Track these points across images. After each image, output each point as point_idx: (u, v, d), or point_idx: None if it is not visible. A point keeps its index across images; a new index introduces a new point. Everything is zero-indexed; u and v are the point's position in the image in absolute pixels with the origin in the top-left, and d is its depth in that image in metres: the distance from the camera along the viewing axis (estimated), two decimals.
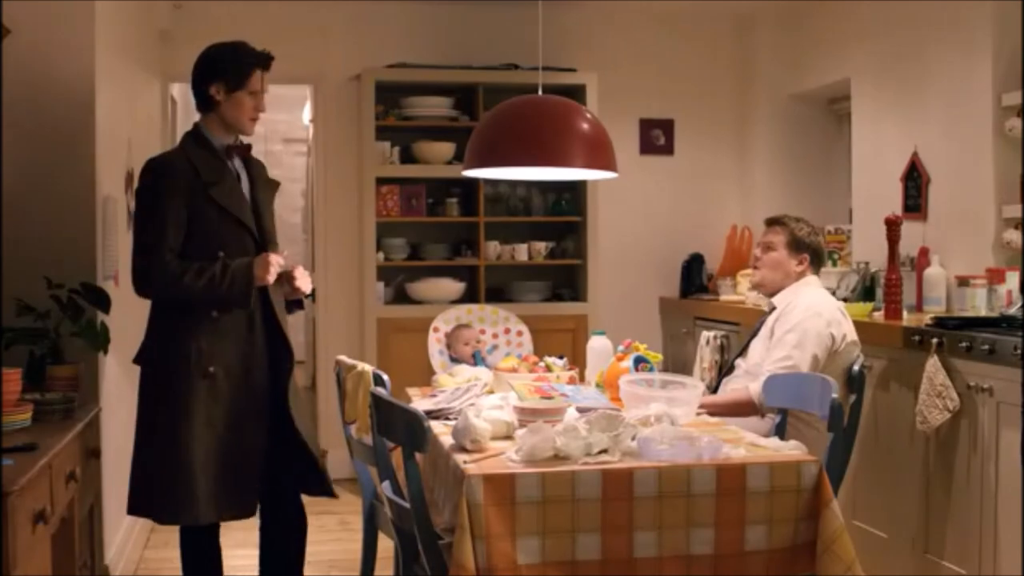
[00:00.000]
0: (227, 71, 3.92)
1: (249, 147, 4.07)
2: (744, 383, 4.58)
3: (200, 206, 3.82)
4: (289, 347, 4.02)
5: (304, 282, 4.09)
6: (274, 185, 4.19)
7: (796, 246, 4.77)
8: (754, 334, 4.81)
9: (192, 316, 3.85)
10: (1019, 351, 4.22)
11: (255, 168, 4.10)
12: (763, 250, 4.83)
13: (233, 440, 3.86)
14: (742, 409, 4.45)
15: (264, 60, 4.01)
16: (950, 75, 5.77)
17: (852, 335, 4.61)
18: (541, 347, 5.25)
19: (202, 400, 3.82)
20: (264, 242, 3.99)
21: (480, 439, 3.33)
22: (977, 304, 5.18)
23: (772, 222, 4.88)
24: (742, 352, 4.84)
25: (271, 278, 3.89)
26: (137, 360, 3.97)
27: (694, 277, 7.70)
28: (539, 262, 7.42)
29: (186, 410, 3.81)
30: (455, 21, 7.50)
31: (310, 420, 4.55)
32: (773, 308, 4.75)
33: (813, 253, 4.82)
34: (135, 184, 3.99)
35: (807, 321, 4.51)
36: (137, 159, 5.60)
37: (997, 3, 5.42)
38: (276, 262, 3.89)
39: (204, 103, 3.97)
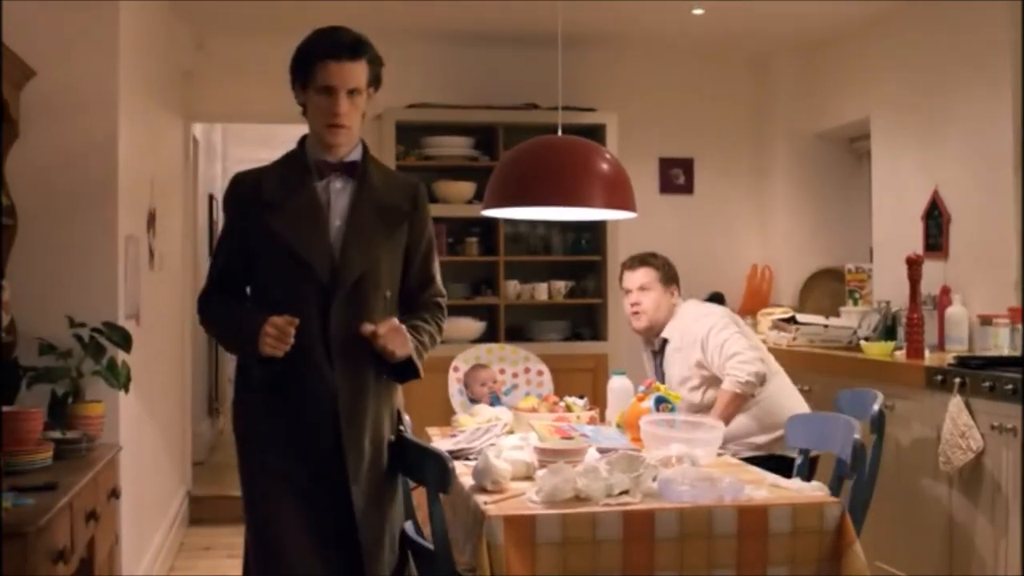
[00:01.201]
0: (298, 67, 3.18)
1: (354, 165, 3.18)
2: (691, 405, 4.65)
3: (257, 232, 3.11)
4: (360, 434, 3.14)
5: (394, 341, 3.10)
6: (396, 217, 3.22)
7: (666, 280, 4.83)
8: (661, 371, 4.84)
9: (252, 372, 3.12)
10: None
11: (368, 192, 3.18)
12: (639, 293, 4.81)
13: (288, 557, 3.07)
14: (739, 404, 4.56)
15: (333, 46, 3.10)
16: (970, 113, 5.76)
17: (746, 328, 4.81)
18: (561, 387, 5.24)
19: (259, 484, 3.15)
20: (335, 288, 3.07)
21: (500, 480, 3.32)
22: (1000, 343, 5.15)
23: (638, 263, 4.86)
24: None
25: (271, 351, 2.98)
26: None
27: None
28: (559, 301, 7.42)
29: (248, 498, 3.21)
30: (475, 62, 7.53)
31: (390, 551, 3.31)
32: (664, 342, 4.80)
33: (677, 281, 4.89)
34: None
35: (710, 323, 4.64)
36: (160, 199, 5.65)
37: (1017, 40, 5.41)
38: (275, 332, 2.97)
39: (302, 111, 3.25)
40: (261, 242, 3.09)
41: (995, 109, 5.53)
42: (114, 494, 4.07)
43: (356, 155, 3.19)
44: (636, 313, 4.83)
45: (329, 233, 3.10)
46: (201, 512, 7.17)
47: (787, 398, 4.74)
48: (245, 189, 3.16)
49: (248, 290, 3.22)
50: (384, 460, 3.22)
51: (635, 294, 4.82)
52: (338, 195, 3.15)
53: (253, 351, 3.00)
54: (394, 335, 3.09)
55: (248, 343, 3.00)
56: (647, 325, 4.83)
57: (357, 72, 3.10)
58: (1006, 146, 5.44)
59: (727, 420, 4.44)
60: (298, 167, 3.17)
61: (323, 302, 3.06)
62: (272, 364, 3.01)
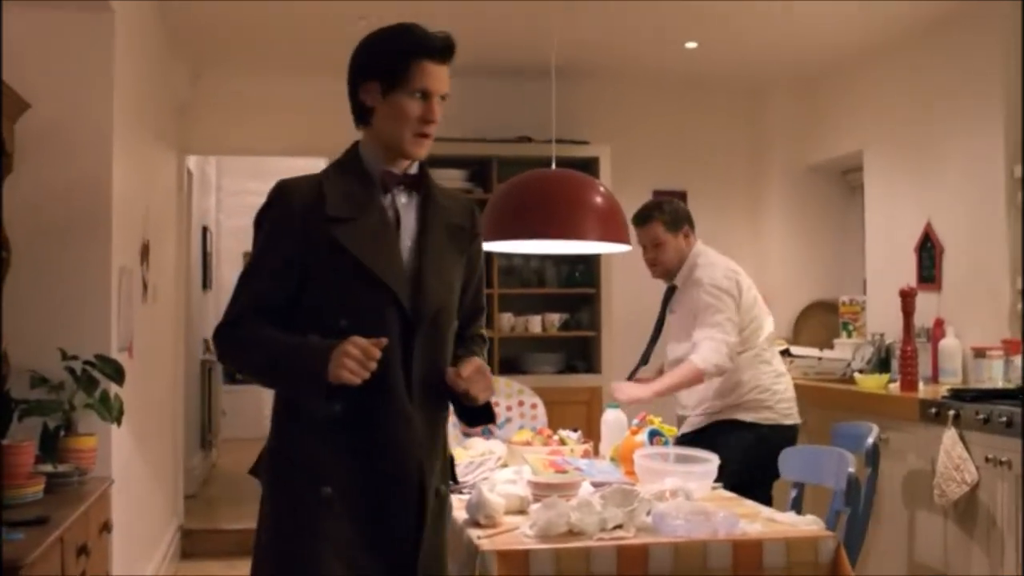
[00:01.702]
0: (380, 63, 2.72)
1: (420, 177, 2.81)
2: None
3: (320, 251, 2.61)
4: (453, 467, 2.86)
5: (479, 384, 2.70)
6: (464, 237, 2.86)
7: (673, 225, 4.81)
8: (661, 318, 4.97)
9: (300, 408, 2.65)
10: None
11: (434, 209, 2.81)
12: (652, 246, 4.84)
13: None
14: (693, 382, 4.62)
15: (434, 46, 2.71)
16: (962, 146, 5.79)
17: (753, 290, 4.83)
18: (555, 419, 5.22)
19: (319, 535, 2.59)
20: (418, 317, 2.66)
21: (494, 514, 3.30)
22: (994, 375, 5.15)
23: (643, 220, 4.85)
24: (655, 338, 5.01)
25: (349, 377, 2.49)
26: (253, 471, 2.80)
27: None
28: (553, 334, 7.41)
29: (301, 551, 2.63)
30: (469, 95, 7.54)
31: None
32: (674, 287, 4.88)
33: (688, 220, 4.87)
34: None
35: (708, 278, 4.69)
36: (153, 231, 5.64)
37: (1008, 75, 5.44)
38: (363, 355, 2.49)
39: (356, 113, 2.82)
40: (326, 262, 2.61)
41: (986, 142, 5.55)
42: (106, 528, 4.04)
43: (415, 167, 2.81)
44: (653, 266, 4.89)
45: (402, 255, 2.69)
46: (193, 546, 7.14)
47: (750, 368, 4.75)
48: (302, 199, 2.64)
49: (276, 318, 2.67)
50: (447, 516, 2.84)
51: (649, 251, 4.85)
52: (405, 211, 2.75)
53: (319, 379, 2.49)
54: (480, 377, 2.70)
55: (313, 370, 2.50)
56: (662, 273, 4.91)
57: (447, 77, 2.78)
58: (997, 178, 5.46)
59: (667, 394, 4.65)
60: (359, 177, 2.73)
61: (405, 333, 2.63)
62: (338, 399, 2.54)
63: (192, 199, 8.81)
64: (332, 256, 2.60)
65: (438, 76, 2.72)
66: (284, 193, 2.67)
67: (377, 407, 2.61)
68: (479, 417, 2.83)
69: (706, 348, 4.58)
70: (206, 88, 7.28)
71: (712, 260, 4.81)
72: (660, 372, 4.94)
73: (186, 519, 7.46)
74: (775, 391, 4.74)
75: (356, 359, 2.48)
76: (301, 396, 2.61)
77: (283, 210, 2.65)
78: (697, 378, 4.60)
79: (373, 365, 2.50)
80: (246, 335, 2.62)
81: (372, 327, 2.56)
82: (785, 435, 4.67)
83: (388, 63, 2.70)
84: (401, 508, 2.63)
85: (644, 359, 5.03)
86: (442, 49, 2.71)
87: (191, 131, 7.36)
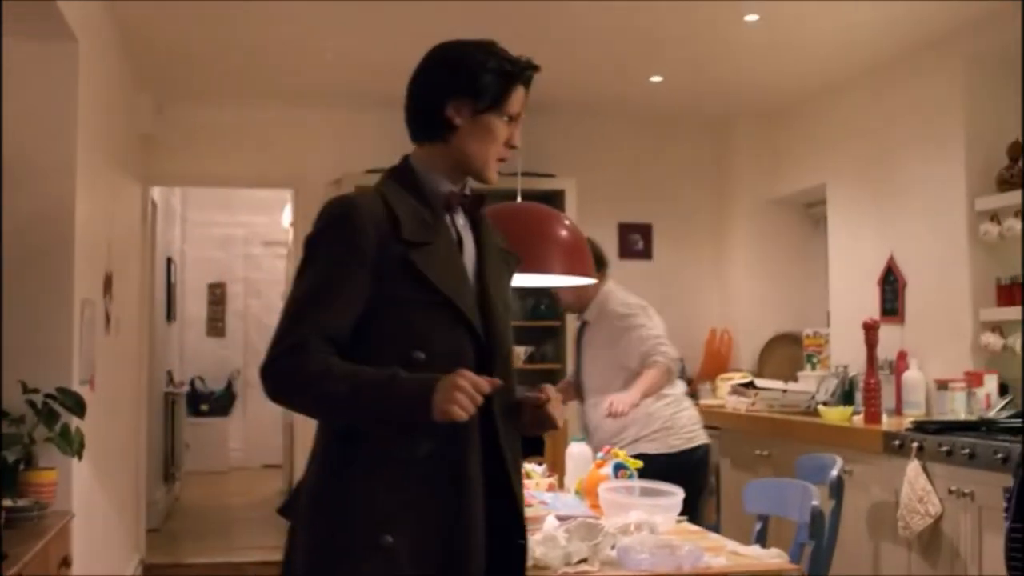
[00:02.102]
0: (476, 81, 2.52)
1: (482, 199, 2.62)
2: (613, 383, 4.85)
3: (393, 277, 2.39)
4: (521, 517, 2.50)
5: (558, 411, 2.51)
6: (512, 261, 2.73)
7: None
8: (579, 354, 5.14)
9: (365, 447, 2.38)
10: (1000, 455, 4.21)
11: (487, 232, 2.64)
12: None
13: None
14: (665, 378, 4.83)
15: (531, 72, 2.59)
16: (924, 180, 5.84)
17: (662, 325, 5.05)
18: None
19: None
20: (493, 347, 2.48)
21: None
22: (956, 407, 5.18)
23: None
24: (577, 373, 5.15)
25: (459, 413, 2.24)
26: (284, 511, 2.52)
27: None
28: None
29: None
30: None
31: None
32: (585, 322, 5.08)
33: (601, 260, 5.00)
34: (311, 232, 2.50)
35: (618, 305, 4.96)
36: (117, 262, 5.61)
37: (969, 110, 5.51)
38: (473, 389, 2.26)
39: (430, 126, 2.57)
40: (401, 289, 2.39)
41: (948, 175, 5.60)
42: (65, 563, 4.00)
43: (467, 188, 2.63)
44: (567, 303, 5.16)
45: (470, 279, 2.52)
46: None
47: (652, 402, 4.92)
48: (374, 219, 2.39)
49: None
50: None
51: (566, 289, 5.00)
52: (463, 233, 2.56)
53: (420, 414, 2.25)
54: (558, 403, 2.51)
55: (413, 404, 2.26)
56: (568, 305, 5.20)
57: None
58: (959, 211, 5.51)
59: (650, 393, 4.77)
60: (421, 197, 2.51)
61: (479, 363, 2.42)
62: (432, 437, 2.34)
63: (156, 230, 8.77)
64: (407, 283, 2.39)
65: (524, 102, 2.60)
66: (354, 212, 2.40)
67: (466, 444, 2.39)
68: (534, 448, 2.69)
69: (651, 346, 4.80)
70: (171, 119, 7.26)
71: (621, 294, 5.07)
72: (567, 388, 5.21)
73: (148, 554, 7.38)
74: (676, 419, 4.96)
75: (468, 394, 2.25)
76: (392, 432, 2.34)
77: (354, 231, 2.38)
78: (667, 372, 4.81)
79: (480, 400, 2.27)
80: (316, 365, 2.32)
81: (450, 358, 2.38)
82: (695, 455, 4.92)
83: (488, 83, 2.52)
84: (482, 556, 2.42)
85: (581, 397, 5.16)
86: (533, 75, 2.60)
87: (156, 162, 7.33)
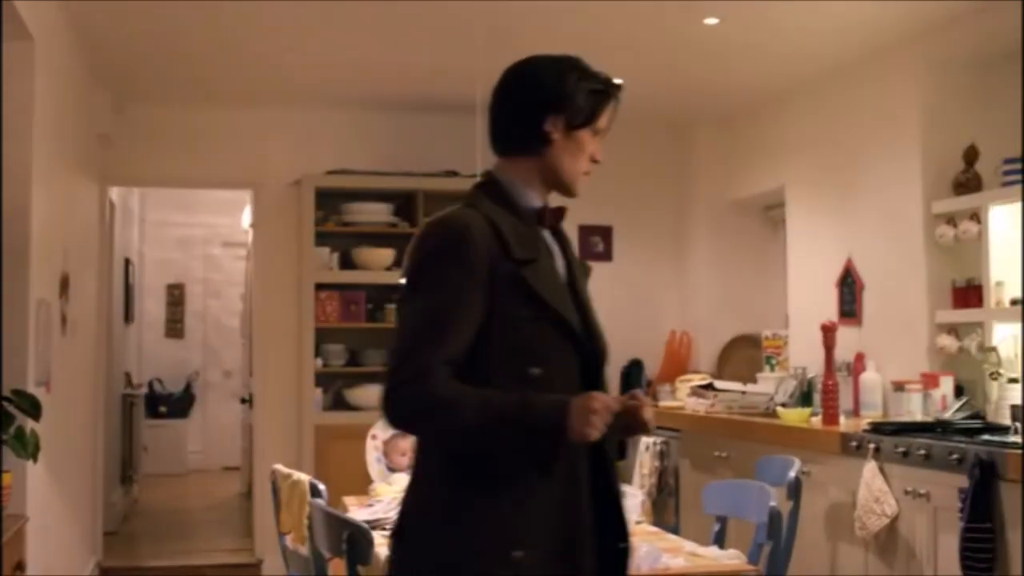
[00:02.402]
0: (573, 99, 2.56)
1: (564, 212, 2.65)
2: None
3: (505, 294, 2.40)
4: (624, 520, 2.52)
5: (650, 415, 2.49)
6: (587, 271, 2.73)
7: None
8: None
9: (491, 466, 2.38)
10: (955, 457, 4.25)
11: (569, 244, 2.67)
12: None
13: None
14: None
15: (618, 89, 2.67)
16: (882, 184, 5.88)
17: None
18: None
19: None
20: (597, 359, 2.53)
21: None
22: (912, 409, 5.22)
23: None
24: None
25: (595, 435, 2.30)
26: (398, 534, 2.47)
27: (633, 383, 7.70)
28: None
29: None
30: (395, 128, 7.55)
31: None
32: None
33: None
34: (414, 252, 2.47)
35: None
36: (73, 263, 5.56)
37: (925, 114, 5.55)
38: (606, 409, 2.31)
39: (526, 141, 2.57)
40: (514, 308, 2.41)
41: (904, 179, 5.65)
42: (20, 567, 3.96)
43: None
44: None
45: (568, 293, 2.55)
46: None
47: None
48: (484, 239, 2.40)
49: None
50: None
51: None
52: (552, 246, 2.59)
53: (558, 436, 2.29)
54: (650, 408, 2.49)
55: (549, 427, 2.29)
56: None
57: None
58: (916, 215, 5.55)
59: None
60: (514, 212, 2.52)
61: (588, 377, 2.48)
62: (564, 457, 2.36)
63: (114, 231, 8.71)
64: (519, 300, 2.40)
65: (613, 118, 2.66)
66: (467, 234, 2.39)
67: (577, 455, 2.41)
68: (620, 451, 2.67)
69: None
70: (130, 119, 7.21)
71: None
72: None
73: (105, 557, 7.33)
74: None
75: (602, 415, 2.29)
76: (531, 454, 2.33)
77: (469, 253, 2.37)
78: None
79: (609, 419, 2.32)
80: (445, 391, 2.31)
81: (562, 373, 2.43)
82: None
83: (583, 101, 2.57)
84: (594, 561, 2.46)
85: None
86: (621, 93, 2.66)
87: (114, 162, 7.28)
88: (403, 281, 2.45)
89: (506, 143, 2.58)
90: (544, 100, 2.54)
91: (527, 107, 2.55)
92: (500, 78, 2.61)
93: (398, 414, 2.35)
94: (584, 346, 2.47)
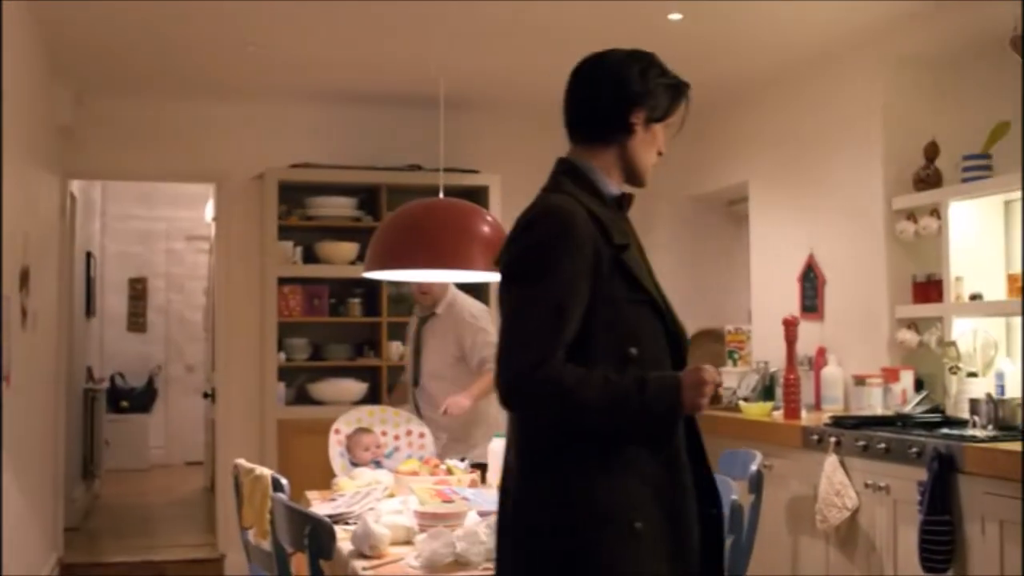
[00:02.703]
0: (655, 94, 2.73)
1: (633, 199, 2.83)
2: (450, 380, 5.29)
3: (607, 278, 2.54)
4: (715, 487, 2.69)
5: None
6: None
7: None
8: (419, 341, 5.47)
9: (614, 444, 2.50)
10: (914, 450, 4.28)
11: (633, 229, 2.83)
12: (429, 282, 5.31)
13: None
14: (490, 392, 5.03)
15: (689, 89, 2.87)
16: (843, 180, 5.92)
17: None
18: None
19: (633, 571, 2.48)
20: (681, 338, 2.70)
21: (379, 545, 3.28)
22: (873, 403, 5.26)
23: None
24: (418, 361, 5.47)
25: (706, 406, 2.51)
26: (510, 531, 2.56)
27: None
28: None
29: None
30: (359, 122, 7.53)
31: None
32: (433, 314, 5.43)
33: None
34: (519, 238, 2.61)
35: (470, 307, 5.47)
36: (34, 257, 5.52)
37: (887, 110, 5.59)
38: (713, 381, 2.50)
39: (611, 131, 2.71)
40: (614, 292, 2.55)
41: (866, 175, 5.69)
42: None
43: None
44: (425, 294, 5.38)
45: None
46: None
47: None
48: (587, 226, 2.54)
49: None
50: None
51: (425, 283, 5.32)
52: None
53: (676, 412, 2.49)
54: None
55: (667, 404, 2.47)
56: (432, 302, 5.42)
57: None
58: (877, 210, 5.59)
59: (481, 398, 5.21)
60: (600, 199, 2.67)
61: (675, 355, 2.65)
62: (672, 441, 2.54)
63: (76, 224, 8.64)
64: (620, 283, 2.55)
65: (685, 115, 2.84)
66: (573, 221, 2.53)
67: (678, 431, 2.59)
68: None
69: (489, 355, 5.06)
70: (91, 112, 7.14)
71: (464, 296, 5.55)
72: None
73: (66, 553, 7.27)
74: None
75: (711, 387, 2.48)
76: (651, 432, 2.51)
77: (577, 240, 2.51)
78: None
79: (714, 391, 2.53)
80: (568, 377, 2.43)
81: (656, 352, 2.58)
82: None
83: (662, 96, 2.74)
84: (695, 531, 2.59)
85: (415, 380, 5.46)
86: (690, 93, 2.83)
87: (75, 155, 7.22)
88: (505, 266, 2.58)
89: (589, 132, 2.71)
90: (631, 93, 2.68)
91: (615, 99, 2.68)
92: (582, 71, 2.74)
93: (523, 401, 2.48)
94: (670, 325, 2.63)
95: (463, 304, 5.47)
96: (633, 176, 2.75)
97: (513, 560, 2.54)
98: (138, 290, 12.94)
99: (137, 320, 12.94)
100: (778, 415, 5.55)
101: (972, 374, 4.97)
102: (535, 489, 2.51)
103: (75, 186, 8.26)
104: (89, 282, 10.30)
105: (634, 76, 2.71)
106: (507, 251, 2.60)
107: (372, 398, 7.13)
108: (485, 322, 5.43)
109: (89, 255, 10.33)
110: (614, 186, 2.71)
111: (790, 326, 5.51)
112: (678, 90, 2.78)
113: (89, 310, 10.41)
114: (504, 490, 2.57)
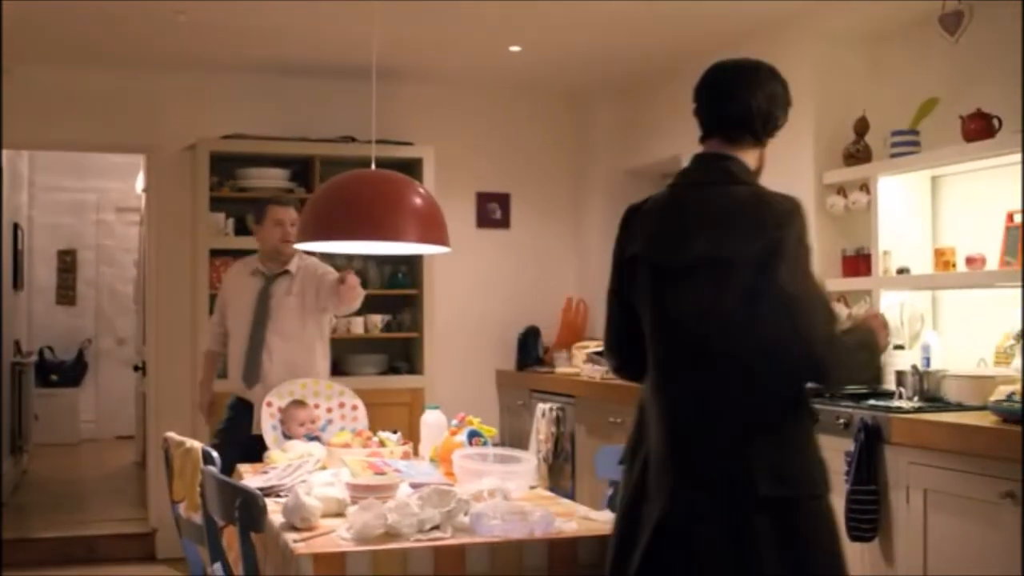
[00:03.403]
0: (788, 106, 3.22)
1: None
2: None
3: None
4: None
5: None
6: None
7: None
8: (266, 302, 5.47)
9: (808, 406, 2.91)
10: (842, 421, 4.34)
11: None
12: (290, 224, 5.44)
13: None
14: None
15: None
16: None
17: None
18: (377, 422, 5.21)
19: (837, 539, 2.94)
20: None
21: (310, 517, 3.28)
22: None
23: (287, 202, 5.62)
24: (262, 323, 5.45)
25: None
26: (770, 490, 2.76)
27: (530, 349, 7.75)
28: (376, 335, 7.38)
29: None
30: (292, 93, 7.47)
31: None
32: (286, 271, 5.50)
33: None
34: (789, 221, 3.05)
35: (315, 258, 5.57)
36: None
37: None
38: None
39: (766, 133, 3.18)
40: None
41: (797, 149, 5.73)
42: None
43: None
44: (287, 242, 5.41)
45: None
46: (3, 557, 6.89)
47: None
48: None
49: None
50: None
51: (287, 229, 5.43)
52: None
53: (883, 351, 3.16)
54: None
55: (879, 346, 3.04)
56: (291, 253, 5.48)
57: None
58: (808, 184, 5.65)
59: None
60: None
61: None
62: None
63: (2, 195, 8.50)
64: None
65: None
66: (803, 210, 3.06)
67: None
68: None
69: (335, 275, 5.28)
70: (19, 81, 7.02)
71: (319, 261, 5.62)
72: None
73: None
74: None
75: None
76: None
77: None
78: None
79: None
80: (843, 338, 2.88)
81: None
82: None
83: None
84: None
85: (257, 343, 5.46)
86: None
87: (1, 125, 7.10)
88: (776, 243, 2.92)
89: (749, 131, 3.09)
90: (785, 100, 3.11)
91: (777, 104, 3.08)
92: (758, 72, 3.10)
93: (844, 374, 2.95)
94: None
95: (309, 258, 5.55)
96: (760, 171, 3.18)
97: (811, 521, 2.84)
98: (67, 262, 12.77)
99: (66, 293, 12.78)
100: None
101: (899, 347, 5.05)
102: (801, 458, 2.82)
103: (2, 156, 8.12)
104: (16, 254, 10.16)
105: (784, 86, 3.16)
106: (781, 227, 2.97)
107: None
108: (324, 263, 5.58)
109: (16, 227, 10.19)
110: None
111: None
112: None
113: (17, 283, 10.27)
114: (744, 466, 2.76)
